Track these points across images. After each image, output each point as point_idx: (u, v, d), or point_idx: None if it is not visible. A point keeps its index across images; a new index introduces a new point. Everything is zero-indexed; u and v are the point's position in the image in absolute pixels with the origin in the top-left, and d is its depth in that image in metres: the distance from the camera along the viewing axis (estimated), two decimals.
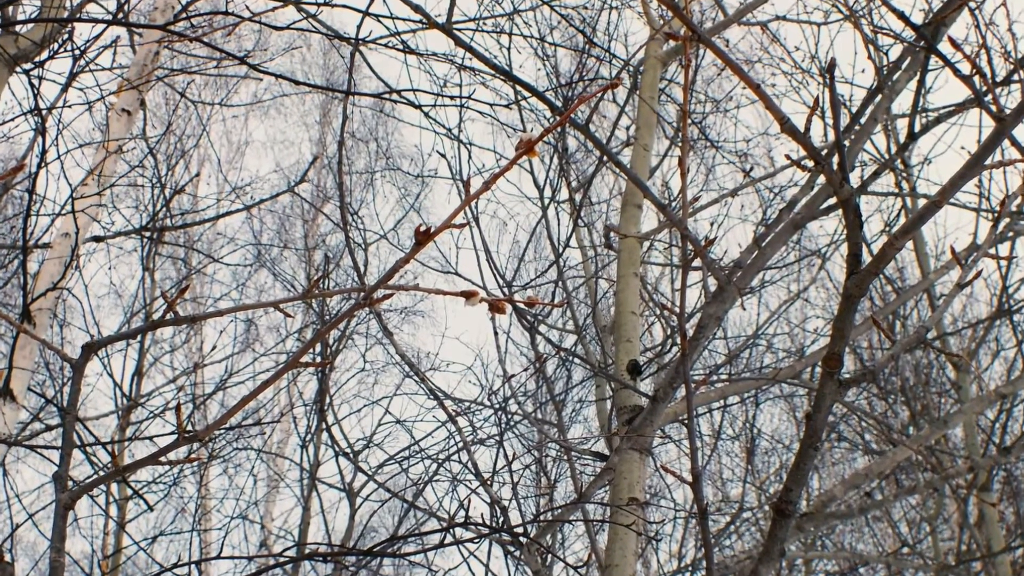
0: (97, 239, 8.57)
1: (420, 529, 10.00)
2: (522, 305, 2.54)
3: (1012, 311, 9.62)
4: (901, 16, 4.36)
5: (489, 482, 7.35)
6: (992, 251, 7.74)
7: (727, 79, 12.67)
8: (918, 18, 8.65)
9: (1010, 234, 8.35)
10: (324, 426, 12.60)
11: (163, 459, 2.90)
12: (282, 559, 10.13)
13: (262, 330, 16.88)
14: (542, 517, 8.28)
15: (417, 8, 6.46)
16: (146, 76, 7.62)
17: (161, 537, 13.01)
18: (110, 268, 14.91)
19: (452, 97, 7.91)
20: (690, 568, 10.88)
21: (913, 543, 13.06)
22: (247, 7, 7.14)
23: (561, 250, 8.79)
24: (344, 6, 6.64)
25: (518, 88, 8.52)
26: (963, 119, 9.21)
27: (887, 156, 11.34)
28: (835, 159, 3.12)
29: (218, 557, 4.83)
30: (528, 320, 8.28)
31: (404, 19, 7.00)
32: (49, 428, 9.46)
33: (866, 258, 3.12)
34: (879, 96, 6.79)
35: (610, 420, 8.01)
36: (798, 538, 9.56)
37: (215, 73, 11.61)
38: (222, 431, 11.75)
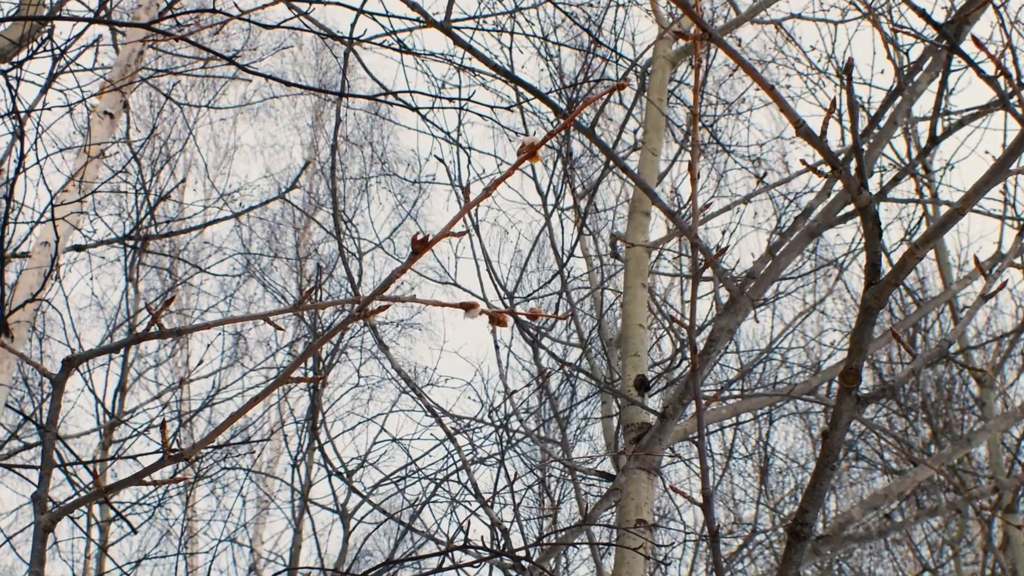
0: (78, 248, 8.57)
1: (417, 553, 9.98)
2: (524, 317, 2.55)
3: None
4: (922, 14, 4.36)
5: (490, 503, 7.34)
6: (1017, 261, 7.75)
7: (739, 80, 12.70)
8: (940, 16, 8.67)
9: None
10: (316, 444, 12.60)
11: (147, 479, 2.90)
12: None
13: (251, 344, 16.89)
14: (545, 540, 8.28)
15: (414, 6, 6.47)
16: (129, 77, 7.63)
17: (145, 561, 13.00)
18: (92, 278, 14.90)
19: (451, 99, 7.92)
20: None
21: (935, 567, 13.05)
22: (235, 4, 7.15)
23: (565, 260, 8.79)
24: (338, 3, 6.64)
25: (520, 90, 8.54)
26: (987, 122, 9.23)
27: (907, 161, 11.34)
28: (853, 164, 3.12)
29: None
30: (530, 333, 8.28)
31: (401, 17, 7.01)
32: (28, 446, 9.47)
33: (885, 268, 3.12)
34: (899, 98, 6.79)
35: (616, 438, 8.02)
36: (814, 562, 9.57)
37: (202, 74, 11.63)
38: (209, 450, 11.74)
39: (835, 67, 10.57)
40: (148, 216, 10.06)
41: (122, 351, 13.94)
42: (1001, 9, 6.40)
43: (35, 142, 6.89)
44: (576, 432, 12.36)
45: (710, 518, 3.05)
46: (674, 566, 11.76)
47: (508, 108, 8.75)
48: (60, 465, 7.45)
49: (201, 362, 14.06)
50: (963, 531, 12.92)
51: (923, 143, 8.65)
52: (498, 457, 8.04)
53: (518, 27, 9.28)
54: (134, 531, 8.07)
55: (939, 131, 7.12)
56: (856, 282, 13.33)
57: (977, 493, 9.26)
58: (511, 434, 8.30)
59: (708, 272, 7.23)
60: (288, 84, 7.00)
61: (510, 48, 8.96)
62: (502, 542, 7.15)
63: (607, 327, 9.69)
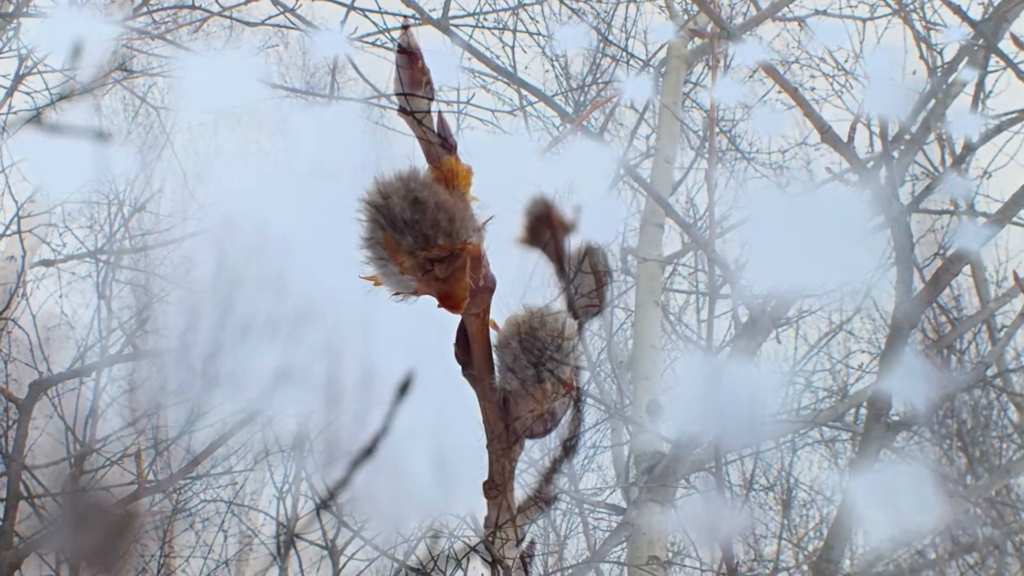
0: (46, 263, 8.58)
1: None
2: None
3: None
4: (957, 11, 4.37)
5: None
6: None
7: (760, 82, 12.69)
8: (976, 13, 8.68)
9: None
10: (304, 475, 12.59)
11: (121, 512, 2.90)
12: None
13: None
14: None
15: (410, 2, 6.48)
16: (102, 79, 7.64)
17: None
18: (61, 296, 14.89)
19: (449, 102, 7.93)
20: None
21: None
22: (216, 1, 7.17)
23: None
24: None
25: (523, 92, 8.54)
26: None
27: (941, 169, 11.35)
28: (883, 173, 3.12)
29: None
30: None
31: (395, 14, 7.02)
32: None
33: (917, 285, 3.13)
34: (932, 101, 6.80)
35: (627, 468, 8.01)
36: None
37: (181, 75, 11.62)
38: (188, 480, 11.74)
39: (863, 68, 10.57)
40: (122, 228, 10.06)
41: (94, 374, 13.93)
42: None
43: None
44: (584, 462, 12.35)
45: (728, 554, 3.05)
46: None
47: (510, 112, 8.76)
48: (27, 497, 7.44)
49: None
50: (1002, 568, 12.89)
51: (958, 150, 8.66)
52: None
53: (521, 25, 9.29)
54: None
55: (975, 137, 7.13)
56: (886, 300, 13.32)
57: (1017, 527, 9.25)
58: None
59: (726, 289, 7.24)
60: (273, 86, 7.01)
61: (512, 48, 8.98)
62: None
63: (617, 348, 9.69)
